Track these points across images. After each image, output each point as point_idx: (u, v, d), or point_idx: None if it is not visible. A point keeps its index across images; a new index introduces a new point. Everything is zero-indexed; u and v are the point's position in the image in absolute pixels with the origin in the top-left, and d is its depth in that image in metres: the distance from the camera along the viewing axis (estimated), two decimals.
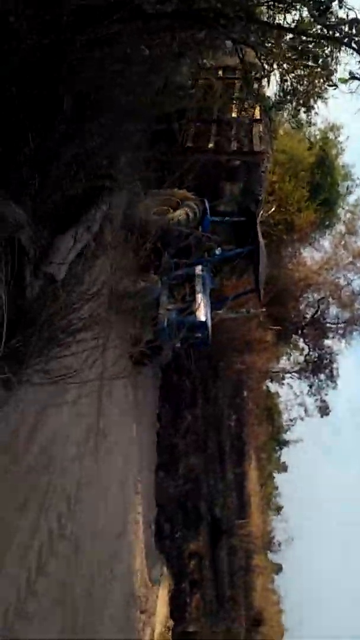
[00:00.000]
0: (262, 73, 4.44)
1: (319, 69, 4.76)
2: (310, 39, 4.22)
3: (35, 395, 4.69)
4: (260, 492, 25.09)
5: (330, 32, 4.24)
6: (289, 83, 6.92)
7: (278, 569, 26.71)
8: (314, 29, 4.19)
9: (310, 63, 4.80)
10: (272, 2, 4.09)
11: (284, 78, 6.76)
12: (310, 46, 4.35)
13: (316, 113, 11.58)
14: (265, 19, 4.31)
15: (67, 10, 3.76)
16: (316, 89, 7.21)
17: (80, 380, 4.42)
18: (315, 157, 16.85)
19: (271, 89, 7.68)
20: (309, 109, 9.87)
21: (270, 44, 4.51)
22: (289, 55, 4.66)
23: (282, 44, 4.49)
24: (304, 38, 4.29)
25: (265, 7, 4.26)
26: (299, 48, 4.43)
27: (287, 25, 4.32)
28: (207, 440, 13.30)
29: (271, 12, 4.28)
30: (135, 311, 7.12)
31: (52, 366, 4.22)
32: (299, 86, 7.02)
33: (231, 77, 10.05)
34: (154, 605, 8.48)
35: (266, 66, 4.54)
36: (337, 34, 4.45)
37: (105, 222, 6.37)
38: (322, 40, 4.11)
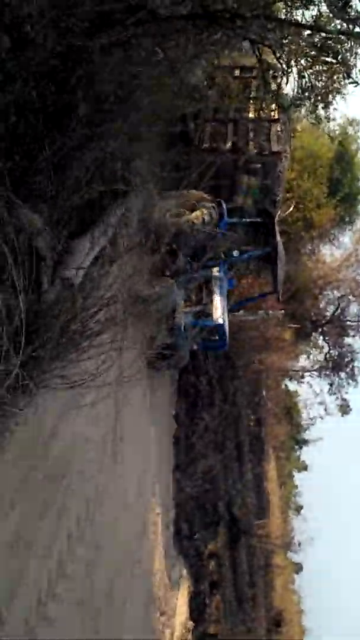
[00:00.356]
0: (280, 73, 4.36)
1: (338, 65, 4.67)
2: (330, 35, 4.13)
3: (54, 400, 4.70)
4: (279, 492, 24.95)
5: (350, 27, 4.15)
6: (307, 79, 6.81)
7: (298, 568, 26.48)
8: (333, 25, 4.09)
9: (329, 59, 4.71)
10: None
11: (302, 74, 6.66)
12: (330, 42, 4.25)
13: (335, 109, 11.38)
14: (283, 16, 4.23)
15: (81, 17, 3.75)
16: (335, 85, 7.08)
17: (98, 384, 4.41)
18: (335, 153, 16.60)
19: (289, 86, 7.59)
20: (327, 105, 9.72)
21: (288, 41, 4.42)
22: (308, 51, 4.57)
23: (301, 41, 4.41)
24: (323, 35, 4.19)
25: (282, 3, 4.18)
26: (318, 45, 4.34)
27: (305, 22, 4.23)
28: (225, 440, 13.25)
29: (289, 9, 4.19)
30: (151, 314, 7.08)
31: (69, 371, 4.23)
32: (317, 82, 6.90)
33: (248, 76, 9.93)
34: (174, 607, 8.48)
35: (284, 65, 4.46)
36: (358, 29, 4.35)
37: (121, 225, 6.36)
38: (342, 36, 4.02)
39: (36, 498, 4.80)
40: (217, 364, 12.07)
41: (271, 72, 4.61)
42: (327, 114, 12.47)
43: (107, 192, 5.62)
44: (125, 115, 4.64)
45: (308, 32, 4.25)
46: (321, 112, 11.39)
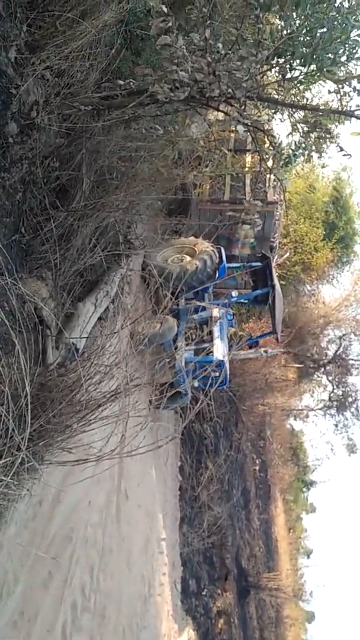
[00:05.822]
0: (274, 148, 4.53)
1: (330, 138, 4.88)
2: (321, 113, 4.33)
3: (57, 469, 4.65)
4: (288, 537, 24.27)
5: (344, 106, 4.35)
6: (300, 135, 7.11)
7: (310, 617, 25.48)
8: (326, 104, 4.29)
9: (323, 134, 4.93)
10: (282, 80, 4.24)
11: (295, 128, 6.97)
12: (322, 119, 4.45)
13: (329, 157, 11.86)
14: (277, 96, 4.46)
15: (85, 102, 3.93)
16: (328, 136, 7.38)
17: (102, 455, 4.37)
18: (329, 197, 17.03)
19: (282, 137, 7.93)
20: (321, 153, 10.13)
21: (281, 117, 4.64)
22: (302, 127, 4.79)
23: (295, 118, 4.62)
24: (316, 113, 4.40)
25: (276, 85, 4.41)
26: (311, 121, 4.55)
27: (297, 101, 4.47)
28: (231, 488, 13.01)
29: (282, 90, 4.43)
30: (154, 354, 7.05)
31: (74, 443, 4.21)
32: (311, 135, 7.22)
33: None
34: None
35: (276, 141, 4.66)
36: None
37: (123, 284, 6.47)
38: (336, 115, 4.22)
39: (40, 570, 4.69)
40: (221, 410, 11.99)
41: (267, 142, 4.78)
42: (321, 162, 12.92)
43: (110, 254, 5.75)
44: (127, 186, 4.81)
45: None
46: (315, 160, 11.82)
